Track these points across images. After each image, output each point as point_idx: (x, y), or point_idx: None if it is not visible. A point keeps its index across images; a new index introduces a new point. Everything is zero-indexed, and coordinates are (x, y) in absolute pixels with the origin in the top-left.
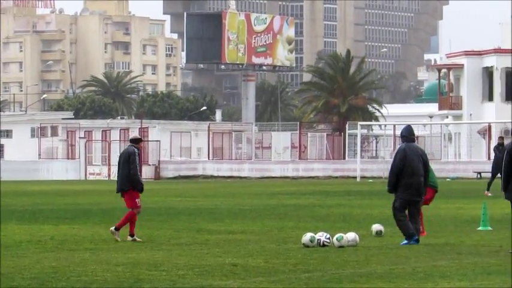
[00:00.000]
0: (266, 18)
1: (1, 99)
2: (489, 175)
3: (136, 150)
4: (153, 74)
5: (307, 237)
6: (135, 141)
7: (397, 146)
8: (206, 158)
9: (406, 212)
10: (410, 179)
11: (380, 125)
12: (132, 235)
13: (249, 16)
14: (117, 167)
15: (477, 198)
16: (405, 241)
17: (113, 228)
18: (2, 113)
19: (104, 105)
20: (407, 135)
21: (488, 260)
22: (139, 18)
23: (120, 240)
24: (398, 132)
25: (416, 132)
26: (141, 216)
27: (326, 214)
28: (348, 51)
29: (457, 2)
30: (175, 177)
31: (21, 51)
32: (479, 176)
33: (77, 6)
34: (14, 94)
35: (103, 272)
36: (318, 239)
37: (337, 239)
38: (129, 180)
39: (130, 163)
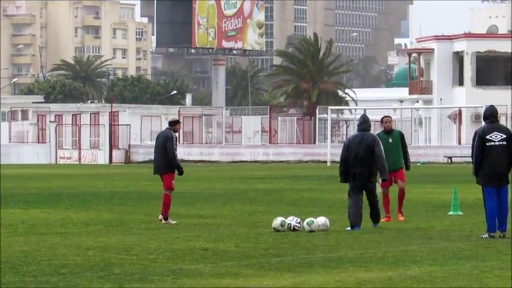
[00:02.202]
0: (236, 2)
1: None
2: (460, 160)
3: (173, 133)
4: (123, 58)
5: (277, 221)
6: (172, 124)
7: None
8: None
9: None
10: (353, 169)
11: (350, 110)
12: (165, 218)
13: (219, 0)
14: (153, 148)
15: (448, 183)
16: (349, 227)
17: (161, 218)
18: None
19: (74, 89)
20: (360, 122)
21: (459, 244)
22: (109, 2)
23: (177, 222)
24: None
25: None
26: (112, 200)
27: (296, 198)
28: (315, 35)
29: None
30: (145, 161)
31: None
32: (450, 160)
33: None
34: None
35: (73, 256)
36: (288, 224)
37: (307, 223)
38: (166, 164)
39: (167, 147)
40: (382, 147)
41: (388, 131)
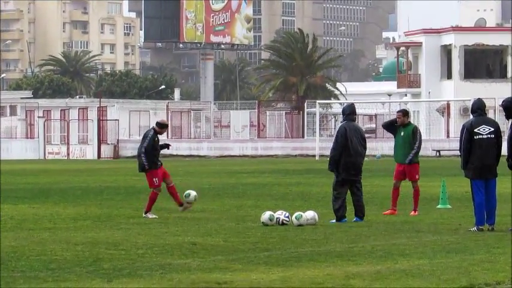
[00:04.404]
0: None
1: None
2: (448, 153)
3: (152, 132)
4: (111, 53)
5: (266, 215)
6: (158, 125)
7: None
8: (165, 137)
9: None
10: (350, 158)
11: (339, 103)
12: (145, 211)
13: None
14: None
15: (436, 177)
16: (333, 220)
17: (143, 214)
18: None
19: (62, 84)
20: (349, 113)
21: (448, 238)
22: None
23: (156, 216)
24: (357, 111)
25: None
26: (100, 195)
27: (285, 193)
28: (300, 30)
29: None
30: (134, 156)
31: None
32: (438, 154)
33: None
34: None
35: (62, 251)
36: (277, 218)
37: (296, 217)
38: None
39: (140, 145)
40: None
41: (403, 125)
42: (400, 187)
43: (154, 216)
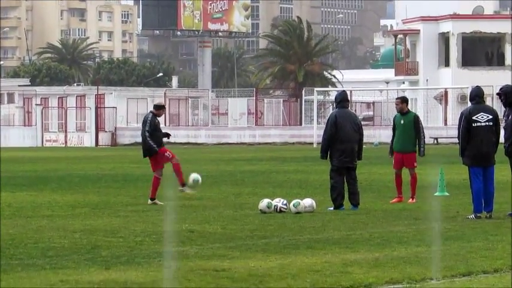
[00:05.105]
0: None
1: None
2: (446, 141)
3: (152, 116)
4: (109, 40)
5: (264, 203)
6: (156, 108)
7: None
8: (163, 125)
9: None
10: (342, 145)
11: (337, 91)
12: (151, 198)
13: None
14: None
15: (434, 164)
16: (331, 208)
17: (149, 201)
18: None
19: (60, 72)
20: (340, 100)
21: (446, 225)
22: None
23: (162, 203)
24: (354, 98)
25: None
26: (98, 182)
27: (283, 180)
28: (299, 19)
29: None
30: (131, 144)
31: None
32: (436, 141)
33: None
34: None
35: (60, 238)
36: (275, 205)
37: (294, 205)
38: (143, 145)
39: (141, 131)
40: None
41: (403, 113)
42: (402, 174)
43: (161, 202)
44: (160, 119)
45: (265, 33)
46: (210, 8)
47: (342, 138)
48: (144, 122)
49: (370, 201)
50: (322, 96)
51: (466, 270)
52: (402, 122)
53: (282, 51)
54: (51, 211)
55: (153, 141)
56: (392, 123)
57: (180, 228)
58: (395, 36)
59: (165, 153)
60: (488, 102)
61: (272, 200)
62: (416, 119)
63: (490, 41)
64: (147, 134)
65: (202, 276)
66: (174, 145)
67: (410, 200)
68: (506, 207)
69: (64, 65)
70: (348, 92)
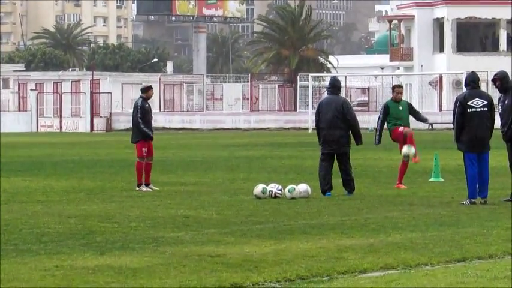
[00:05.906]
0: None
1: None
2: (441, 126)
3: (142, 101)
4: (103, 26)
5: (259, 188)
6: (143, 91)
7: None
8: (157, 110)
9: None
10: (323, 131)
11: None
12: (147, 184)
13: None
14: None
15: (429, 150)
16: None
17: (143, 187)
18: None
19: (55, 57)
20: (329, 86)
21: (440, 211)
22: None
23: (157, 188)
24: (349, 84)
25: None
26: (93, 168)
27: (278, 166)
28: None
29: None
30: (126, 129)
31: None
32: (431, 127)
33: None
34: None
35: (55, 224)
36: (269, 191)
37: (289, 190)
38: (135, 133)
39: (133, 116)
40: (354, 111)
41: (397, 101)
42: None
43: (148, 189)
44: (155, 104)
45: (260, 17)
46: None
47: (323, 125)
48: (135, 108)
49: (364, 187)
50: (317, 82)
51: (460, 256)
52: (401, 108)
53: (277, 36)
54: (46, 196)
55: (147, 127)
56: (382, 110)
57: (175, 213)
58: (390, 21)
59: (143, 149)
60: (483, 87)
61: (267, 186)
62: (410, 104)
63: (484, 27)
64: (140, 121)
65: (197, 262)
66: (169, 130)
67: (398, 186)
68: (501, 193)
69: (59, 50)
70: (343, 78)
